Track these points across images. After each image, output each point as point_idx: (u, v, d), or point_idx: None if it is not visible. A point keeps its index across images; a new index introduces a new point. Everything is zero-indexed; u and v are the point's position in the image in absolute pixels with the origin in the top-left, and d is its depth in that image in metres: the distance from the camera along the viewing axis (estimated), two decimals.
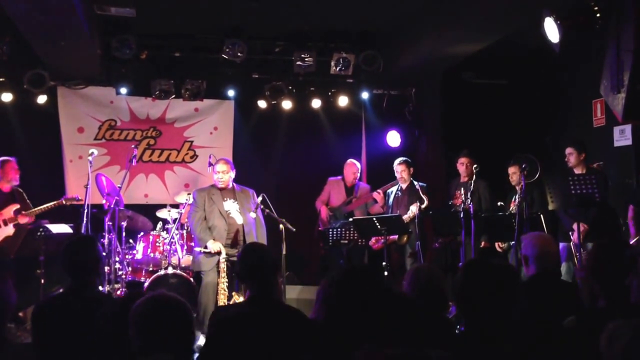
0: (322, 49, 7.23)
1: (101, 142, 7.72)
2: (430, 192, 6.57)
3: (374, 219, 5.97)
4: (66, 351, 2.88)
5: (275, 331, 2.73)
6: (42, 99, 7.30)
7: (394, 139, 8.14)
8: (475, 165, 6.13)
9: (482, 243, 6.26)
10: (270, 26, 7.02)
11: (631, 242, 5.32)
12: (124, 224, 6.50)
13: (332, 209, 7.21)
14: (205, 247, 5.80)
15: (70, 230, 6.24)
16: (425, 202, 6.35)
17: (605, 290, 2.69)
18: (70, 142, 7.66)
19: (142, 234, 6.79)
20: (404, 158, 6.83)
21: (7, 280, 2.79)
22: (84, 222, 5.87)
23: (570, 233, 5.64)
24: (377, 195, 6.87)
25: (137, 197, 7.79)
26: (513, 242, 5.72)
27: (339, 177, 7.33)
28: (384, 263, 5.93)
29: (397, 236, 6.45)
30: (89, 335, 2.79)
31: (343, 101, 7.97)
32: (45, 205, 6.18)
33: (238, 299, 5.48)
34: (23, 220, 6.13)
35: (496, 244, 6.32)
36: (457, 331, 3.24)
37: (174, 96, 7.43)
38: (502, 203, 6.38)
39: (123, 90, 7.51)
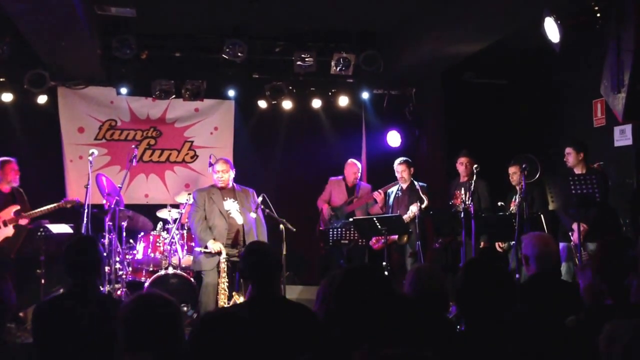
0: (323, 49, 7.23)
1: (101, 142, 7.72)
2: (430, 192, 6.58)
3: (375, 219, 5.97)
4: (67, 351, 2.88)
5: (281, 329, 2.73)
6: (42, 99, 7.30)
7: (394, 139, 8.14)
8: (475, 165, 6.13)
9: (482, 243, 6.26)
10: (270, 26, 7.02)
11: None
12: (125, 224, 6.50)
13: (334, 208, 7.21)
14: (206, 247, 5.80)
15: (70, 231, 6.24)
16: (426, 202, 6.35)
17: (612, 289, 2.70)
18: (71, 142, 7.66)
19: (142, 234, 6.79)
20: (404, 158, 6.83)
21: (7, 281, 2.78)
22: (84, 222, 5.87)
23: (570, 233, 5.64)
24: (378, 195, 6.87)
25: (138, 197, 7.79)
26: (513, 242, 5.72)
27: (340, 177, 7.33)
28: (384, 263, 5.93)
29: (397, 236, 6.45)
30: (89, 335, 2.79)
31: (343, 101, 7.97)
32: (45, 208, 6.16)
33: (238, 298, 5.48)
34: (23, 222, 6.13)
35: (496, 244, 6.32)
36: (457, 331, 3.24)
37: (174, 96, 7.43)
38: (502, 203, 6.38)
39: (123, 90, 7.51)
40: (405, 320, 2.15)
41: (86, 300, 2.99)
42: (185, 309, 6.27)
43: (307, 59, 7.07)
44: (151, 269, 6.59)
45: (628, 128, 6.26)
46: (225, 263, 5.70)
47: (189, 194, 6.48)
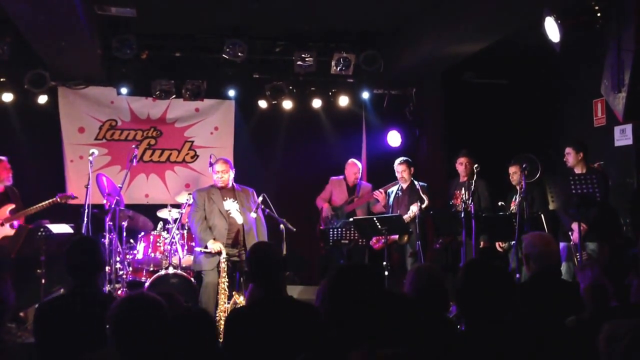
0: (323, 49, 7.23)
1: (102, 142, 7.72)
2: (430, 192, 6.58)
3: (375, 218, 5.97)
4: (69, 352, 2.88)
5: (289, 328, 2.75)
6: (42, 99, 7.30)
7: (394, 138, 8.14)
8: (476, 165, 6.13)
9: (482, 243, 6.26)
10: (270, 26, 7.02)
11: None
12: (125, 224, 6.50)
13: (334, 208, 7.21)
14: (206, 247, 5.80)
15: (70, 230, 6.24)
16: (426, 202, 6.35)
17: (618, 291, 2.70)
18: (71, 142, 7.66)
19: (142, 234, 6.79)
20: (404, 158, 6.82)
21: (6, 280, 2.77)
22: (85, 222, 5.87)
23: (570, 233, 5.64)
24: (379, 194, 6.87)
25: (138, 197, 7.79)
26: (514, 242, 5.72)
27: (341, 177, 7.33)
28: (384, 263, 5.93)
29: (397, 236, 6.45)
30: (91, 335, 2.79)
31: (343, 101, 7.97)
32: (39, 205, 6.14)
33: (238, 298, 5.48)
34: (18, 221, 6.11)
35: (497, 244, 6.32)
36: (457, 331, 3.24)
37: (174, 96, 7.44)
38: (502, 203, 6.38)
39: (124, 90, 7.50)
40: (403, 319, 2.15)
41: (88, 301, 2.99)
42: None
43: (307, 59, 7.07)
44: (151, 268, 6.59)
45: (628, 128, 6.26)
46: (226, 263, 5.69)
47: (190, 193, 6.48)
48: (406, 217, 6.32)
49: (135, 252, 6.70)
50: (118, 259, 6.29)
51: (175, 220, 6.60)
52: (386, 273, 5.83)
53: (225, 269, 5.67)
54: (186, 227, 6.67)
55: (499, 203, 6.42)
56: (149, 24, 6.71)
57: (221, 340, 2.90)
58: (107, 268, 5.91)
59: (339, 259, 6.77)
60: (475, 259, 4.97)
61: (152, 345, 2.13)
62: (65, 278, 3.22)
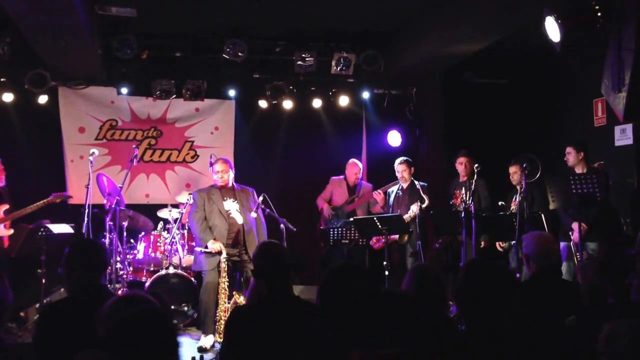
0: (323, 49, 7.23)
1: (102, 142, 7.72)
2: (431, 192, 6.58)
3: (375, 218, 5.97)
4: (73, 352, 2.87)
5: (294, 327, 2.75)
6: (43, 99, 7.31)
7: (394, 138, 8.14)
8: (476, 165, 6.13)
9: (482, 243, 6.26)
10: (270, 26, 7.03)
11: None
12: (125, 223, 6.50)
13: (334, 207, 7.21)
14: (206, 247, 5.80)
15: (71, 230, 6.24)
16: (426, 202, 6.36)
17: (615, 289, 2.70)
18: (71, 142, 7.66)
19: (143, 233, 6.80)
20: (404, 158, 6.83)
21: (3, 280, 2.74)
22: (85, 222, 5.87)
23: (570, 233, 5.64)
24: (378, 195, 6.87)
25: (138, 197, 7.79)
26: (514, 242, 5.72)
27: (342, 177, 7.33)
28: (384, 263, 5.93)
29: (397, 236, 6.45)
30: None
31: (344, 101, 7.97)
32: (34, 205, 6.12)
33: (239, 298, 5.48)
34: (9, 222, 6.11)
35: (497, 244, 6.32)
36: (457, 330, 3.23)
37: (174, 96, 7.44)
38: (502, 203, 6.38)
39: (124, 90, 7.50)
40: (403, 319, 2.15)
41: (96, 302, 2.97)
42: (185, 308, 6.29)
43: (307, 59, 7.07)
44: (152, 268, 6.60)
45: (629, 127, 6.26)
46: (226, 263, 5.70)
47: (190, 193, 6.48)
48: (406, 216, 6.32)
49: (135, 252, 6.70)
50: (118, 258, 6.30)
51: (175, 220, 6.61)
52: (386, 273, 5.84)
53: (226, 269, 5.68)
54: (186, 227, 6.68)
55: (499, 203, 6.42)
56: (149, 24, 6.71)
57: (222, 339, 2.90)
58: (108, 268, 5.92)
59: (339, 258, 6.77)
60: (476, 259, 4.97)
61: (144, 346, 2.11)
62: (66, 278, 3.18)
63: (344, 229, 6.25)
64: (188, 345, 5.75)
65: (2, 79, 7.19)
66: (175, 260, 6.43)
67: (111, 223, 6.10)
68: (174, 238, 6.49)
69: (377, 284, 2.40)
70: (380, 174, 7.45)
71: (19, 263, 6.21)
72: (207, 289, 5.79)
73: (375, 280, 2.35)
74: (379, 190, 6.90)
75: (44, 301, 5.86)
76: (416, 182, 6.58)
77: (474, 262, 2.71)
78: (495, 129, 7.54)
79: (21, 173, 7.07)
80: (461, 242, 5.89)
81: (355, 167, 7.25)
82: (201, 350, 5.53)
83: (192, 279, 6.30)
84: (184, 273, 6.31)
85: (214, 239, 5.81)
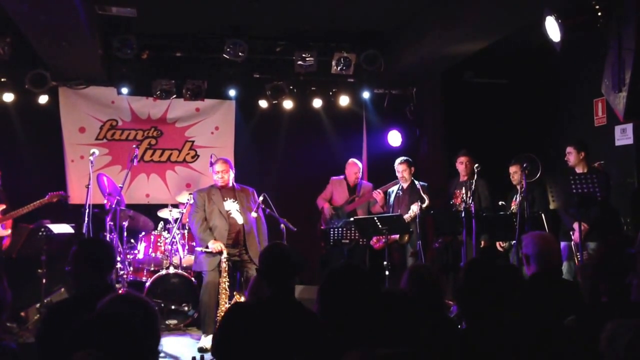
0: (323, 49, 7.23)
1: (102, 142, 7.73)
2: (431, 192, 6.58)
3: (375, 218, 5.97)
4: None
5: (290, 331, 2.74)
6: (43, 99, 7.31)
7: (395, 138, 8.14)
8: (476, 165, 6.13)
9: (482, 243, 6.27)
10: (271, 26, 7.02)
11: None
12: (126, 223, 6.51)
13: (335, 207, 7.21)
14: (207, 247, 5.80)
15: (71, 230, 6.25)
16: (426, 202, 6.36)
17: (610, 288, 2.70)
18: (72, 142, 7.66)
19: (143, 233, 6.80)
20: (405, 157, 6.83)
21: (2, 279, 2.72)
22: (86, 222, 5.87)
23: (570, 232, 5.65)
24: (377, 194, 6.87)
25: (139, 197, 7.79)
26: (514, 242, 5.72)
27: (342, 177, 7.33)
28: (385, 262, 5.94)
29: (398, 236, 6.46)
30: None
31: (344, 101, 7.97)
32: (31, 204, 6.12)
33: (239, 298, 5.49)
34: (8, 222, 6.11)
35: (497, 244, 6.32)
36: (457, 330, 3.24)
37: (175, 96, 7.43)
38: (503, 202, 6.38)
39: (124, 90, 7.50)
40: (402, 319, 2.15)
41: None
42: (186, 308, 6.29)
43: (307, 59, 7.07)
44: (152, 268, 6.60)
45: (629, 127, 6.26)
46: (226, 263, 5.70)
47: (190, 193, 6.49)
48: (407, 216, 6.32)
49: (135, 252, 6.70)
50: (119, 258, 6.30)
51: (175, 220, 6.61)
52: (387, 273, 5.85)
53: (226, 269, 5.68)
54: (187, 227, 6.68)
55: (500, 203, 6.42)
56: (150, 24, 6.71)
57: (217, 331, 2.89)
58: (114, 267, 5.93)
59: (339, 258, 6.77)
60: (476, 259, 4.97)
61: (139, 346, 2.10)
62: (66, 278, 3.16)
63: (344, 229, 6.25)
64: (188, 345, 5.76)
65: (2, 79, 7.19)
66: (175, 260, 6.43)
67: (111, 223, 6.10)
68: (174, 238, 6.49)
69: (377, 284, 2.39)
70: (381, 173, 7.45)
71: (20, 263, 6.21)
72: (207, 289, 5.79)
73: (375, 280, 2.35)
74: (378, 190, 6.91)
75: (45, 301, 5.86)
76: (416, 182, 6.58)
77: (474, 261, 2.70)
78: (496, 129, 7.54)
79: (21, 173, 7.08)
80: (461, 241, 5.89)
81: (355, 167, 7.25)
82: (201, 350, 5.53)
83: (193, 279, 6.31)
84: (185, 273, 6.31)
85: (215, 239, 5.81)
